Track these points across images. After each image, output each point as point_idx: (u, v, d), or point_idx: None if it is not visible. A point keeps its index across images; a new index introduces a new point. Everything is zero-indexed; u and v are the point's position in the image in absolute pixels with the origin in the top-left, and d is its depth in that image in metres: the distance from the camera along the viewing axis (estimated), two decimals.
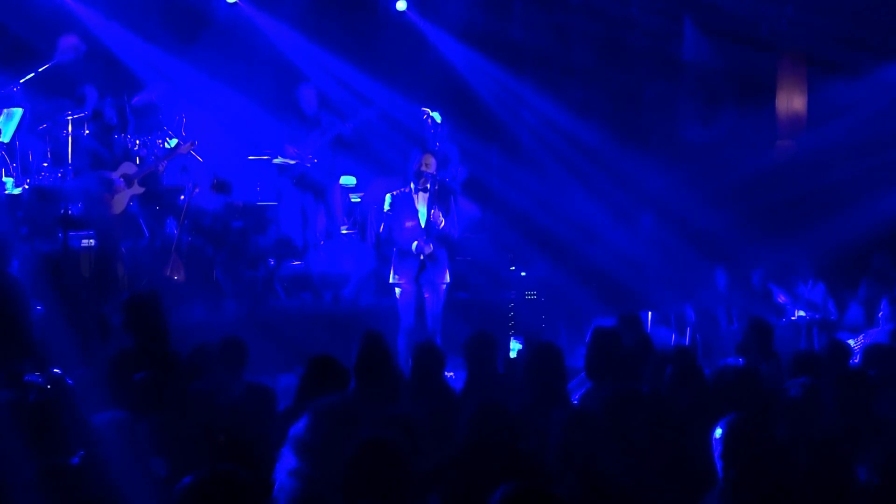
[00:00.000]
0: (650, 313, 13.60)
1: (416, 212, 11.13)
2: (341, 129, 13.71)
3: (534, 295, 14.51)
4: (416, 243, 11.02)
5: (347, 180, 14.67)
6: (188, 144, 12.69)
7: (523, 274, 14.74)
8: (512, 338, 13.16)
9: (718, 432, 5.45)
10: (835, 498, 5.39)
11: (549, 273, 14.95)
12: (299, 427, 5.49)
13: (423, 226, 11.06)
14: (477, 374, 8.00)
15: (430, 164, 11.15)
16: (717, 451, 5.42)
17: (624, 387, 6.94)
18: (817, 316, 14.10)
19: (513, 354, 12.08)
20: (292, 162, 13.67)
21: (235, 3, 15.03)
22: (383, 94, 15.00)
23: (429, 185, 11.09)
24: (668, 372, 7.49)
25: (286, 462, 5.40)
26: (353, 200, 14.66)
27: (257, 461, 5.59)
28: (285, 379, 10.31)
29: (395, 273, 11.23)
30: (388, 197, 11.28)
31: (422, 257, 11.02)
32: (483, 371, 8.02)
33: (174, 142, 12.82)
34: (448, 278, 11.27)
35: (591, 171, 16.34)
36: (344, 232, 14.18)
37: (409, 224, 11.10)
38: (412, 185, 11.17)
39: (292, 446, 5.43)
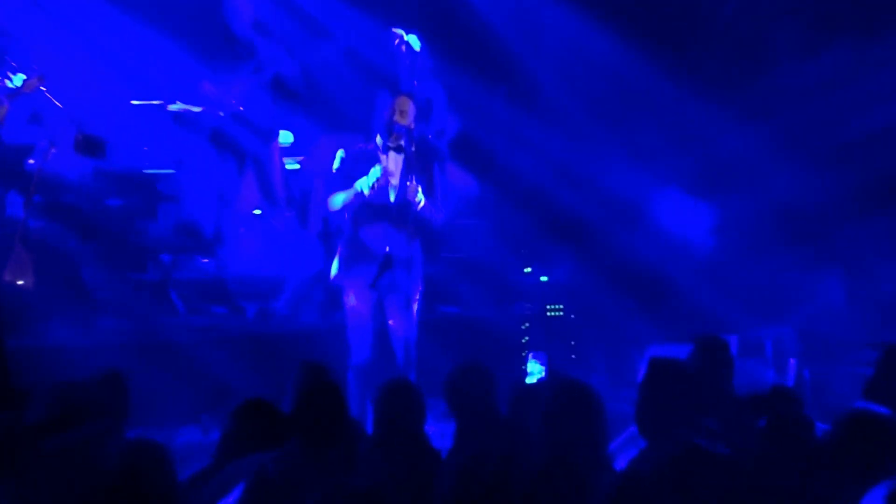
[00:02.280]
0: (733, 339, 13.57)
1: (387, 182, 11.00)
2: (283, 67, 13.67)
3: (559, 310, 14.54)
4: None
5: (282, 138, 14.59)
6: (34, 80, 12.56)
7: (543, 279, 14.76)
8: (531, 357, 13.11)
9: None
10: None
11: (580, 278, 14.96)
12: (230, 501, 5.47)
13: (392, 202, 10.93)
14: (470, 424, 7.96)
15: (406, 111, 10.96)
16: None
17: (694, 447, 6.87)
18: None
19: (531, 379, 12.08)
20: (197, 109, 13.64)
21: None
22: (335, 10, 14.96)
23: (403, 144, 10.92)
24: (761, 425, 7.44)
25: None
26: (289, 168, 14.58)
27: None
28: (188, 433, 10.30)
29: (341, 271, 11.13)
30: (339, 154, 11.11)
31: (386, 249, 10.90)
32: (478, 420, 8.01)
33: (20, 78, 12.73)
34: (421, 286, 11.21)
35: (641, 126, 16.33)
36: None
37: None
38: (378, 142, 11.02)
39: None
